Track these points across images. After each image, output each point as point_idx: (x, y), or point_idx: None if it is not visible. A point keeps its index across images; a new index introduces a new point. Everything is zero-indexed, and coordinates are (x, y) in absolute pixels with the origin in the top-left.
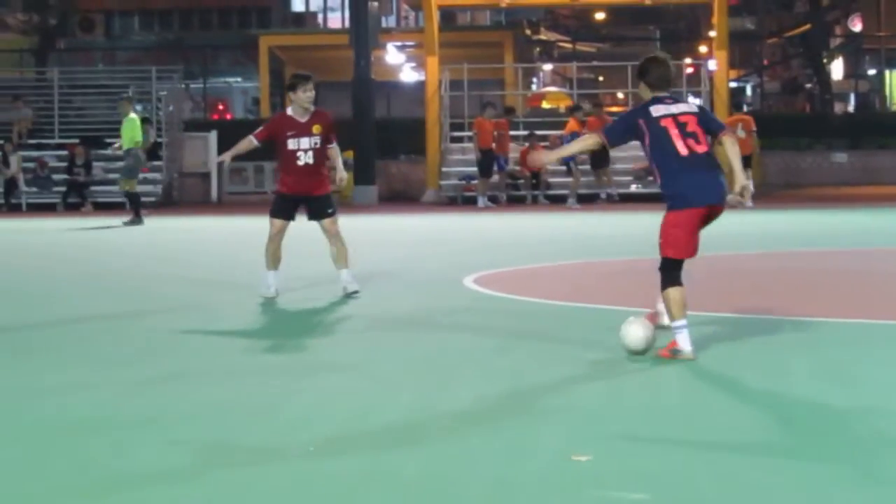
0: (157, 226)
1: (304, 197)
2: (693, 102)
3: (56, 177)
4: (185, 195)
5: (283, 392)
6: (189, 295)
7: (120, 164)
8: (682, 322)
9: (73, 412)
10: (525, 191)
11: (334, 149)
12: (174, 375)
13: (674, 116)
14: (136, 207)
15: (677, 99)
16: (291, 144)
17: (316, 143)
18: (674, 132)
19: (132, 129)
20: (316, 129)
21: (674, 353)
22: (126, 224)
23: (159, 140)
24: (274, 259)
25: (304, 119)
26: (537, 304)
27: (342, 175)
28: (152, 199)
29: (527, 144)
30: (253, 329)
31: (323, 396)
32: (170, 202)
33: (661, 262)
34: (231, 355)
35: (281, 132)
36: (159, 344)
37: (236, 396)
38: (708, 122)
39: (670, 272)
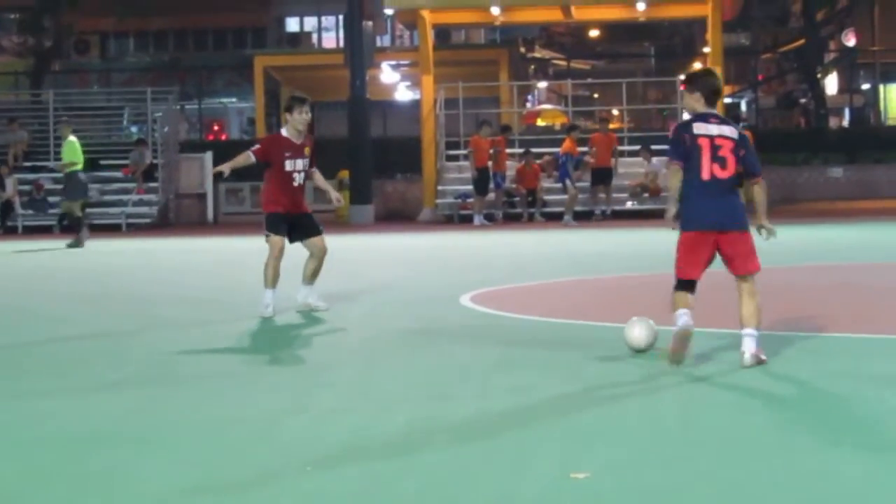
0: (154, 247)
1: (298, 215)
2: (735, 129)
3: (52, 199)
4: (182, 216)
5: (280, 410)
6: (186, 315)
7: (115, 186)
8: (682, 310)
9: (72, 431)
10: (521, 208)
11: (317, 172)
12: (171, 395)
13: (711, 138)
14: (77, 229)
15: (723, 120)
16: (289, 165)
17: (306, 165)
18: (705, 154)
19: (72, 153)
20: (307, 150)
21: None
22: (69, 246)
23: (155, 161)
24: (274, 277)
25: (298, 141)
26: (534, 321)
27: (337, 195)
28: (148, 220)
29: (523, 162)
30: (249, 348)
31: (320, 414)
32: (166, 223)
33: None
34: (228, 375)
35: (278, 153)
36: (157, 364)
37: (234, 415)
38: (746, 159)
39: (680, 288)
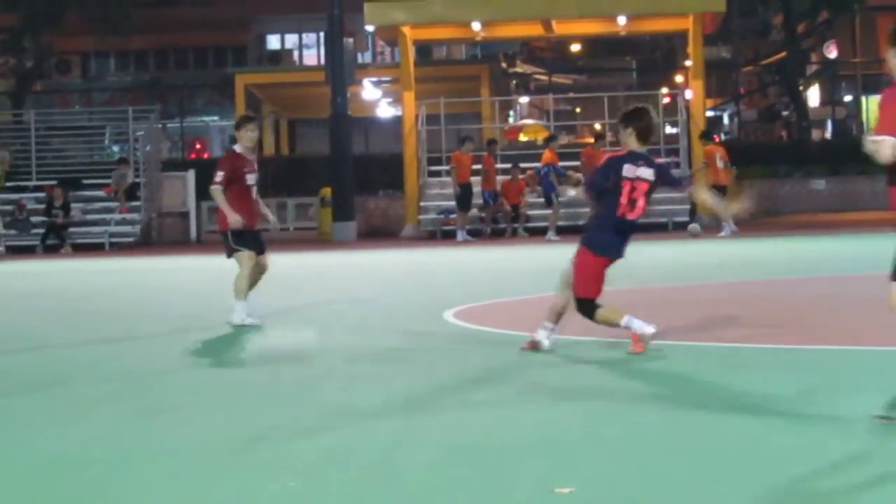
0: (137, 266)
1: (255, 231)
2: (653, 165)
3: (35, 219)
4: (165, 235)
5: (262, 428)
6: (167, 333)
7: (98, 205)
8: (627, 318)
9: (52, 450)
10: (505, 224)
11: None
12: (155, 412)
13: (632, 180)
14: None
15: (649, 162)
16: (249, 179)
17: (258, 180)
18: (624, 193)
19: None
20: (256, 167)
21: (643, 341)
22: None
23: (137, 180)
24: (247, 289)
25: (250, 156)
26: (517, 336)
27: (273, 217)
28: (131, 239)
29: (509, 177)
30: (231, 365)
31: (302, 432)
32: (149, 242)
33: (577, 302)
34: (210, 392)
35: (238, 169)
36: (136, 382)
37: (216, 432)
38: (666, 180)
39: (589, 310)
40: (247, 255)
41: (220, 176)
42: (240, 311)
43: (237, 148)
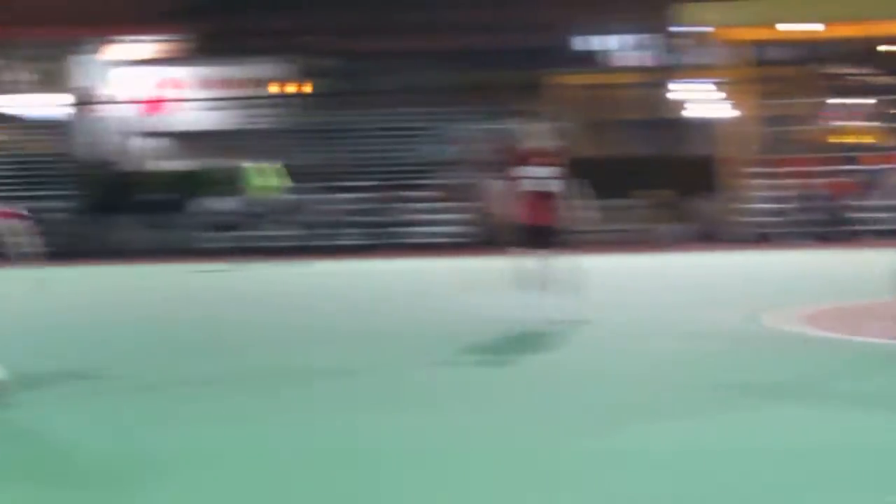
0: (451, 266)
1: (540, 227)
2: None
3: (358, 219)
4: (492, 235)
5: (538, 426)
6: (463, 330)
7: (423, 205)
8: None
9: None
10: (835, 225)
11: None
12: (426, 406)
13: None
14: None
15: None
16: (530, 173)
17: (551, 174)
18: None
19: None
20: (553, 160)
21: None
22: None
23: (462, 181)
24: (530, 284)
25: (538, 151)
26: (838, 341)
27: (581, 214)
28: (459, 240)
29: (841, 179)
30: (508, 364)
31: (587, 431)
32: (479, 243)
33: None
34: (484, 387)
35: (516, 162)
36: (414, 375)
37: (489, 430)
38: None
39: None
40: (516, 250)
41: (498, 168)
42: (527, 304)
43: (524, 143)
